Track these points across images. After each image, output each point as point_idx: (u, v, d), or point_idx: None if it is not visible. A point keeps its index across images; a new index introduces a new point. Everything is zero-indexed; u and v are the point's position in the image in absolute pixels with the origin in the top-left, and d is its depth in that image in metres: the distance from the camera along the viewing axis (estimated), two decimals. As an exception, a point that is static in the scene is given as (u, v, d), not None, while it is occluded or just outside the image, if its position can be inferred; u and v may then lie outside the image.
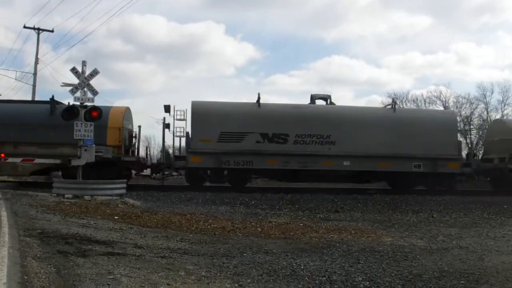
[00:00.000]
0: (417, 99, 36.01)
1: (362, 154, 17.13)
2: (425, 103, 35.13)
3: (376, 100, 76.36)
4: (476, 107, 34.29)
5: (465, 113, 34.37)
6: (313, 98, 19.28)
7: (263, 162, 17.02)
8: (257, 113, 17.52)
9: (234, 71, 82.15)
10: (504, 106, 34.12)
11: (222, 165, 17.03)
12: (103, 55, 76.77)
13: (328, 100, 19.22)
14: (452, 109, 33.57)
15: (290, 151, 17.08)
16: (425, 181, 18.02)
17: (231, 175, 17.43)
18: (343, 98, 71.37)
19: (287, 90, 71.91)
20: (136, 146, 18.58)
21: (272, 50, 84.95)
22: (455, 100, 34.75)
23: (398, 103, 18.71)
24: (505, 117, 31.55)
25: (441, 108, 34.81)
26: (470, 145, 19.99)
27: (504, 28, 69.89)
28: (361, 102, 77.25)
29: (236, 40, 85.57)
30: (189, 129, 17.72)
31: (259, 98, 17.86)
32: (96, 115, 13.21)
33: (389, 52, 75.12)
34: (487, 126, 28.20)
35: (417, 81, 66.67)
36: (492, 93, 35.23)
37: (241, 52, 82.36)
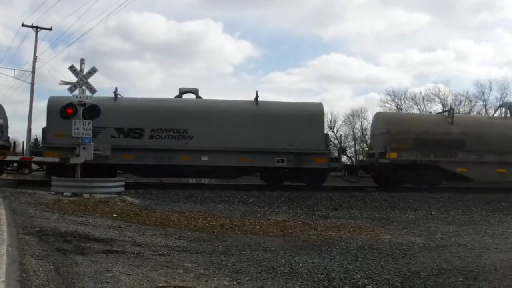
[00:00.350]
0: (415, 97, 36.07)
1: (221, 148, 16.45)
2: (423, 101, 35.21)
3: (375, 98, 76.55)
4: (475, 105, 34.41)
5: (464, 110, 34.48)
6: (180, 91, 18.79)
7: (119, 157, 16.57)
8: (113, 107, 16.99)
9: (232, 69, 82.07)
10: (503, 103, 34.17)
11: None
12: (101, 53, 76.60)
13: (195, 95, 18.63)
14: (448, 107, 33.64)
15: (145, 145, 16.70)
16: (294, 176, 17.39)
17: (88, 170, 16.45)
18: (342, 96, 71.43)
19: (285, 88, 71.94)
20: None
21: (270, 48, 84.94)
22: (453, 98, 34.85)
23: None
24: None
25: (440, 106, 34.93)
26: (338, 140, 19.21)
27: (502, 25, 70.07)
28: (359, 100, 77.24)
29: (234, 38, 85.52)
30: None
31: (115, 92, 17.40)
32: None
33: (388, 50, 75.19)
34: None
35: (415, 79, 66.76)
36: (491, 90, 35.33)
37: (239, 50, 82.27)
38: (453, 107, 26.27)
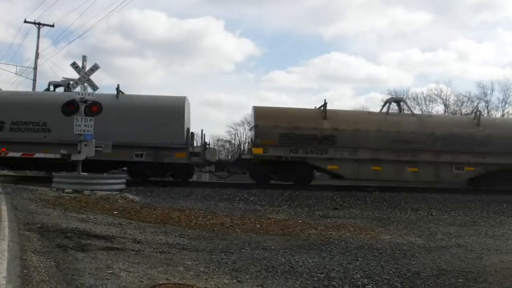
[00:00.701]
0: (417, 97, 35.95)
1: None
2: (425, 101, 35.09)
3: (376, 98, 76.37)
4: (477, 106, 34.27)
5: (466, 111, 34.38)
6: (50, 84, 18.59)
7: None
8: None
9: (233, 67, 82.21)
10: (505, 104, 34.11)
11: None
12: (102, 50, 76.87)
13: (65, 88, 18.24)
14: (452, 107, 33.57)
15: (7, 138, 16.48)
16: (156, 171, 17.04)
17: None
18: (343, 95, 71.40)
19: (286, 86, 72.01)
20: None
21: (271, 47, 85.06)
22: (455, 99, 34.73)
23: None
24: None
25: (442, 107, 34.82)
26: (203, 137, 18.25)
27: (503, 25, 69.83)
28: (360, 99, 77.31)
29: (236, 36, 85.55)
30: None
31: None
32: (96, 109, 13.20)
33: (388, 49, 75.13)
34: None
35: (416, 79, 66.63)
36: (493, 91, 35.23)
37: (240, 48, 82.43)
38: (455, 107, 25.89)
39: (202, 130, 18.38)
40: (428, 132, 17.50)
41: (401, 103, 19.67)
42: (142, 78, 79.47)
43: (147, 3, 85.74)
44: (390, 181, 17.67)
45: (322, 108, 17.73)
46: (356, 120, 17.81)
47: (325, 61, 75.90)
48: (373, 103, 76.37)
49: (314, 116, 17.63)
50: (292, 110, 18.63)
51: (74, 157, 13.32)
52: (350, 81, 71.91)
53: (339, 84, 73.71)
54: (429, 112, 34.64)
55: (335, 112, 18.28)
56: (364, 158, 17.06)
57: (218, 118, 73.61)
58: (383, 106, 19.51)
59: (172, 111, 17.10)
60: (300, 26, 79.60)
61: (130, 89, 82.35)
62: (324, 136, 17.06)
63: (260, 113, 17.79)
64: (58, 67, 55.33)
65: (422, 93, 37.15)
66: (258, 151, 16.98)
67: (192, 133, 17.92)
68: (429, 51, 71.64)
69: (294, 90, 72.15)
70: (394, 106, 19.38)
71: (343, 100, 70.72)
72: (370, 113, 19.07)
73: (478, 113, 19.20)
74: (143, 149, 16.56)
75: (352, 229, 8.38)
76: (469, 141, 17.52)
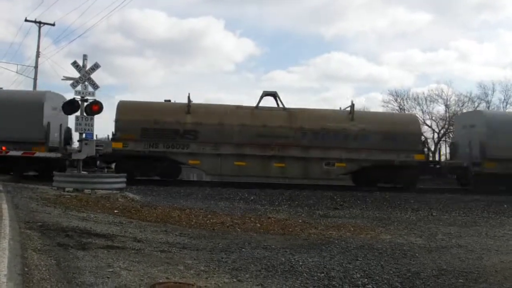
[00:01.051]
0: (418, 97, 35.91)
1: None
2: (426, 101, 35.03)
3: (376, 98, 76.35)
4: (478, 106, 34.22)
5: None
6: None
7: None
8: None
9: (234, 67, 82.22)
10: (506, 105, 34.05)
11: None
12: (103, 49, 76.79)
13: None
14: (453, 108, 33.46)
15: None
16: (24, 166, 16.70)
17: None
18: (344, 95, 71.42)
19: (287, 86, 72.07)
20: None
21: (271, 46, 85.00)
22: (456, 99, 34.67)
23: None
24: None
25: (443, 107, 34.77)
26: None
27: (504, 25, 69.77)
28: (361, 100, 77.35)
29: (236, 36, 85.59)
30: None
31: None
32: (97, 109, 13.21)
33: (389, 49, 75.01)
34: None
35: (417, 79, 66.55)
36: (494, 91, 35.14)
37: (240, 47, 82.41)
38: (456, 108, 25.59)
39: (61, 125, 17.22)
40: (296, 127, 17.04)
41: (277, 97, 18.52)
42: (143, 77, 79.59)
43: (147, 2, 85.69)
44: (255, 177, 17.27)
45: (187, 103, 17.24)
46: (221, 114, 17.32)
47: (325, 60, 75.83)
48: (373, 103, 76.29)
49: (178, 111, 17.24)
50: (157, 104, 18.06)
51: (75, 156, 13.34)
52: (351, 81, 71.86)
53: (340, 83, 73.69)
54: (429, 111, 34.70)
55: (200, 106, 17.80)
56: (227, 153, 16.67)
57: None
58: (261, 99, 18.52)
59: (31, 106, 16.71)
60: (301, 26, 79.65)
61: (130, 89, 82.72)
62: (186, 131, 16.73)
63: (122, 108, 17.28)
64: (59, 65, 55.22)
65: (423, 93, 37.10)
66: (118, 145, 16.56)
67: (68, 128, 17.47)
68: (430, 51, 71.61)
69: (295, 89, 72.22)
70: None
71: (343, 99, 70.77)
72: (238, 107, 18.08)
73: (352, 106, 18.11)
74: (5, 144, 16.29)
75: (352, 229, 8.38)
76: (342, 136, 17.03)
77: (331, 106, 18.32)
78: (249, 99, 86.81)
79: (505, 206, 13.17)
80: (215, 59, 78.85)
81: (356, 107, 20.18)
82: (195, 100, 18.06)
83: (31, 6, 79.22)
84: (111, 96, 75.71)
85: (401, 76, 66.29)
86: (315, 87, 72.40)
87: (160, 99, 20.18)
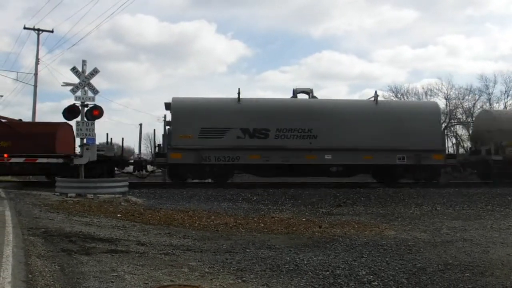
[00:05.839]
0: (418, 92, 35.89)
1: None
2: (426, 96, 35.00)
3: (370, 94, 76.33)
4: (479, 99, 34.13)
5: (468, 105, 34.26)
6: (295, 92, 19.21)
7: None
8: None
9: (226, 69, 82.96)
10: (507, 97, 33.90)
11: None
12: (96, 55, 77.44)
13: (309, 95, 19.15)
14: (454, 101, 33.40)
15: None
16: None
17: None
18: (338, 93, 71.78)
19: (279, 85, 72.55)
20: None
21: (262, 47, 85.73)
22: (457, 92, 34.58)
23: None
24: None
25: (443, 101, 34.68)
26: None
27: (490, 19, 69.99)
28: (355, 97, 77.85)
29: (227, 38, 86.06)
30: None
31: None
32: (98, 113, 13.22)
33: (379, 47, 75.78)
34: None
35: (410, 75, 67.15)
36: (495, 84, 35.02)
37: (232, 49, 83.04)
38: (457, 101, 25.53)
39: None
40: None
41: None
42: (137, 81, 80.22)
43: (139, 7, 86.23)
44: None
45: None
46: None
47: (317, 59, 76.89)
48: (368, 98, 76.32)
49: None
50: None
51: (76, 161, 13.35)
52: (344, 79, 72.49)
53: (333, 81, 74.42)
54: None
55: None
56: None
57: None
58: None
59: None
60: (290, 26, 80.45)
61: (125, 93, 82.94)
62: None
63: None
64: (53, 73, 55.21)
65: (423, 87, 37.06)
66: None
67: None
68: (420, 47, 72.23)
69: (288, 88, 72.71)
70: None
71: (337, 97, 71.09)
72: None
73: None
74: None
75: (356, 226, 8.35)
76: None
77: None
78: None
79: (509, 198, 13.11)
80: (207, 61, 79.64)
81: None
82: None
83: (22, 16, 79.81)
84: (110, 101, 76.00)
85: (393, 73, 66.83)
86: (309, 86, 72.61)
87: (156, 102, 20.45)
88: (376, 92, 18.91)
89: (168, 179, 18.00)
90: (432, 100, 22.79)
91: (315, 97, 19.13)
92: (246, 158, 17.06)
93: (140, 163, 18.78)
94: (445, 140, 18.74)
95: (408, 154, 17.41)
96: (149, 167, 19.08)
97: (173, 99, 17.77)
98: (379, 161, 17.44)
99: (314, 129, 17.32)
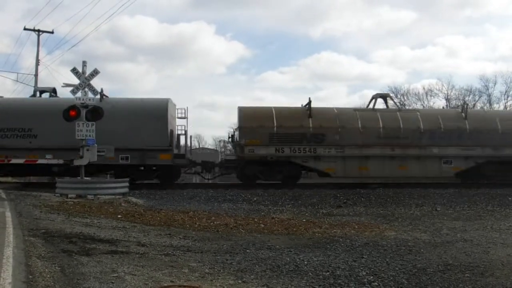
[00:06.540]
0: (418, 92, 35.91)
1: None
2: (427, 96, 35.02)
3: (370, 95, 76.44)
4: (479, 99, 34.15)
5: (468, 105, 34.23)
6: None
7: None
8: None
9: (225, 70, 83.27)
10: (507, 97, 33.92)
11: None
12: (95, 56, 77.69)
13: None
14: (454, 101, 33.41)
15: None
16: None
17: None
18: (338, 93, 71.94)
19: (279, 86, 72.74)
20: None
21: (262, 48, 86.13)
22: (457, 93, 34.60)
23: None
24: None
25: (444, 102, 34.69)
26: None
27: (489, 20, 70.22)
28: (354, 98, 77.90)
29: (226, 39, 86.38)
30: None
31: None
32: (98, 114, 13.22)
33: (378, 47, 76.00)
34: None
35: (409, 75, 67.22)
36: (495, 84, 35.04)
37: (231, 50, 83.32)
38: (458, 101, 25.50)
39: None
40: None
41: (387, 99, 19.41)
42: (137, 82, 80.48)
43: (138, 8, 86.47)
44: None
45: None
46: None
47: (316, 60, 76.98)
48: (368, 100, 76.51)
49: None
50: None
51: (77, 162, 13.35)
52: (343, 80, 72.73)
53: (332, 82, 74.68)
54: (430, 106, 34.62)
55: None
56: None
57: (216, 119, 74.37)
58: (374, 102, 19.41)
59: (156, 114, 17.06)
60: (288, 27, 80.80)
61: (125, 94, 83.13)
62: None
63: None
64: (52, 75, 55.44)
65: (423, 88, 37.09)
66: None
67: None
68: (419, 48, 72.40)
69: (288, 89, 72.89)
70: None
71: (338, 98, 71.18)
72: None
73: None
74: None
75: (356, 227, 8.35)
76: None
77: (328, 106, 18.28)
78: (243, 100, 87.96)
79: (509, 199, 13.10)
80: (206, 62, 79.94)
81: (359, 104, 20.34)
82: (190, 102, 18.24)
83: (21, 17, 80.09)
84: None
85: (392, 74, 67.00)
86: (308, 87, 73.18)
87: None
88: (102, 89, 16.76)
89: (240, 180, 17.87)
90: (330, 105, 21.11)
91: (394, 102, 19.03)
92: None
93: (208, 164, 18.47)
94: (173, 139, 17.27)
95: (132, 153, 16.38)
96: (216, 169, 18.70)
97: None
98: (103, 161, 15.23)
99: (34, 128, 16.54)
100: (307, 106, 17.61)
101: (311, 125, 17.11)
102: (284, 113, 17.72)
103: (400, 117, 17.70)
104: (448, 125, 17.51)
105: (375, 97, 19.21)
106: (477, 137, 17.30)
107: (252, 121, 17.15)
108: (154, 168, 17.06)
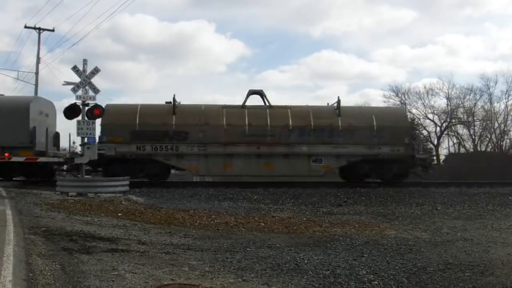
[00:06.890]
0: (419, 91, 35.83)
1: None
2: (427, 95, 34.95)
3: (370, 94, 76.48)
4: (480, 98, 34.07)
5: (469, 104, 34.21)
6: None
7: None
8: None
9: (226, 68, 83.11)
10: (508, 96, 33.84)
11: None
12: (96, 55, 77.62)
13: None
14: (455, 100, 33.37)
15: None
16: None
17: None
18: (338, 92, 71.88)
19: (279, 85, 72.68)
20: None
21: (262, 47, 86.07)
22: (457, 92, 34.53)
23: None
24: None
25: (445, 101, 34.64)
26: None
27: (488, 19, 70.14)
28: (355, 96, 77.79)
29: (227, 38, 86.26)
30: None
31: None
32: (98, 113, 13.23)
33: (378, 46, 75.93)
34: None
35: (409, 74, 67.13)
36: (496, 83, 34.95)
37: (231, 49, 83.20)
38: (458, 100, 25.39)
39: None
40: (282, 124, 16.45)
41: (263, 96, 17.81)
42: (137, 81, 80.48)
43: (138, 7, 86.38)
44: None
45: None
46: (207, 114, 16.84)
47: (316, 59, 76.79)
48: (369, 98, 76.74)
49: (164, 112, 16.82)
50: (143, 107, 17.24)
51: (77, 160, 13.36)
52: (343, 78, 72.62)
53: (333, 81, 74.57)
54: (430, 105, 34.57)
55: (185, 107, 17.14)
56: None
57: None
58: (245, 99, 18.10)
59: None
60: (289, 26, 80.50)
61: (125, 93, 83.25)
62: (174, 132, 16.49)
63: (111, 111, 16.57)
64: (52, 73, 55.41)
65: (424, 87, 37.03)
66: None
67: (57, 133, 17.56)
68: (419, 47, 72.36)
69: (288, 88, 72.80)
70: None
71: (337, 97, 71.01)
72: (224, 106, 17.51)
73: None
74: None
75: (357, 226, 8.35)
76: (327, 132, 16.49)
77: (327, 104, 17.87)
78: (243, 99, 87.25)
79: (510, 198, 13.10)
80: (207, 61, 79.92)
81: (361, 103, 19.34)
82: (191, 101, 17.93)
83: (22, 15, 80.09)
84: (110, 100, 76.29)
85: (392, 72, 66.92)
86: (308, 86, 73.12)
87: (158, 101, 19.92)
88: None
89: None
90: (330, 103, 19.61)
91: (266, 99, 17.65)
92: None
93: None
94: (39, 136, 16.29)
95: None
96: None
97: None
98: None
99: None
100: (171, 103, 16.94)
101: (174, 122, 16.48)
102: (149, 110, 17.13)
103: (268, 114, 16.82)
104: (319, 122, 16.66)
105: (249, 93, 17.98)
106: (351, 134, 16.50)
107: (114, 118, 16.47)
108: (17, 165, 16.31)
